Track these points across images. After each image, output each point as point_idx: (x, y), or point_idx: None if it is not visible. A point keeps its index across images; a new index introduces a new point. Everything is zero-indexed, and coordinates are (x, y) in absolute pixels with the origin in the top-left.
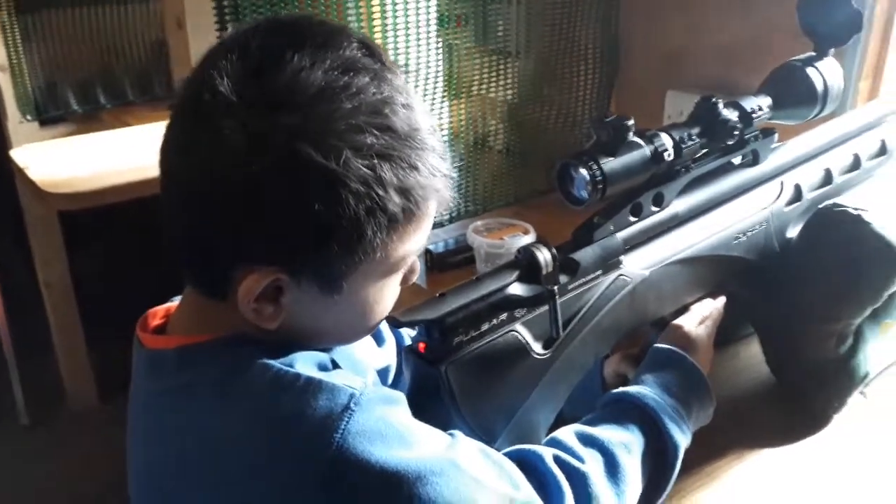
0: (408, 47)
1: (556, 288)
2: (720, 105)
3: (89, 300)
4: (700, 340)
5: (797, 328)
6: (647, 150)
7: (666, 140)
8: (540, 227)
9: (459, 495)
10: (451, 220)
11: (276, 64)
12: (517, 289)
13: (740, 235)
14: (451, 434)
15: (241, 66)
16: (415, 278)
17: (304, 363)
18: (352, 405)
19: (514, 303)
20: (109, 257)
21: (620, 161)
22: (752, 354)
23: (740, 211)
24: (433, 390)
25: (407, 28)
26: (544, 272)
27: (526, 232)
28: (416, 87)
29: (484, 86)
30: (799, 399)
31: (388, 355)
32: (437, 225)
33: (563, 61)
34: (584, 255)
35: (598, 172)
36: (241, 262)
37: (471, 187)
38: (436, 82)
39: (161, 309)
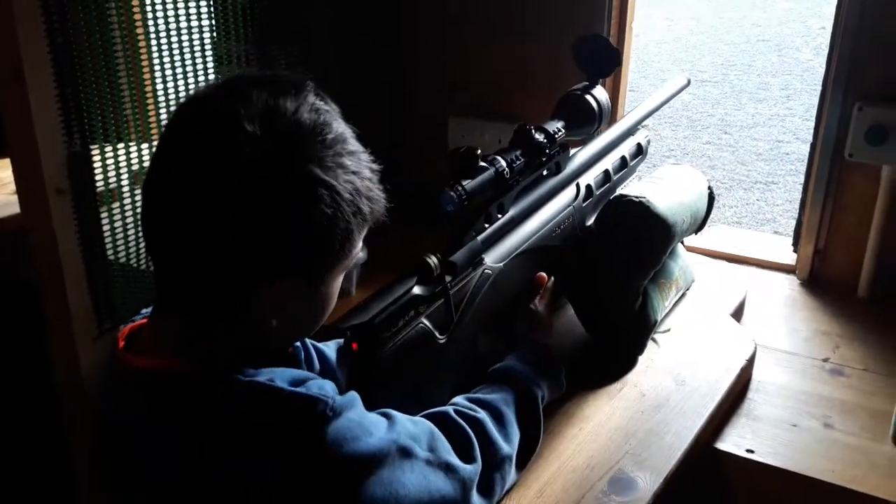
0: (178, 84)
1: (448, 282)
2: (533, 130)
3: None
4: (541, 317)
5: (601, 293)
6: (492, 171)
7: (502, 162)
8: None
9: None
10: None
11: (275, 107)
12: (418, 290)
13: (557, 228)
14: (386, 413)
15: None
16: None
17: (281, 380)
18: (328, 412)
19: (418, 300)
20: None
21: (476, 181)
22: (571, 316)
23: (554, 210)
24: (369, 381)
25: (179, 65)
26: (435, 274)
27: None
28: None
29: None
30: (610, 348)
31: None
32: None
33: (352, 98)
34: (458, 257)
35: (462, 191)
36: (255, 277)
37: None
38: None
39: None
